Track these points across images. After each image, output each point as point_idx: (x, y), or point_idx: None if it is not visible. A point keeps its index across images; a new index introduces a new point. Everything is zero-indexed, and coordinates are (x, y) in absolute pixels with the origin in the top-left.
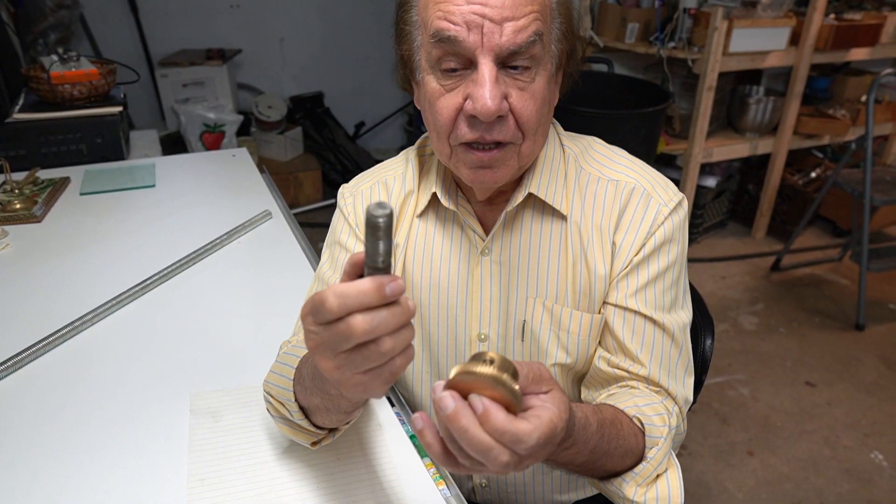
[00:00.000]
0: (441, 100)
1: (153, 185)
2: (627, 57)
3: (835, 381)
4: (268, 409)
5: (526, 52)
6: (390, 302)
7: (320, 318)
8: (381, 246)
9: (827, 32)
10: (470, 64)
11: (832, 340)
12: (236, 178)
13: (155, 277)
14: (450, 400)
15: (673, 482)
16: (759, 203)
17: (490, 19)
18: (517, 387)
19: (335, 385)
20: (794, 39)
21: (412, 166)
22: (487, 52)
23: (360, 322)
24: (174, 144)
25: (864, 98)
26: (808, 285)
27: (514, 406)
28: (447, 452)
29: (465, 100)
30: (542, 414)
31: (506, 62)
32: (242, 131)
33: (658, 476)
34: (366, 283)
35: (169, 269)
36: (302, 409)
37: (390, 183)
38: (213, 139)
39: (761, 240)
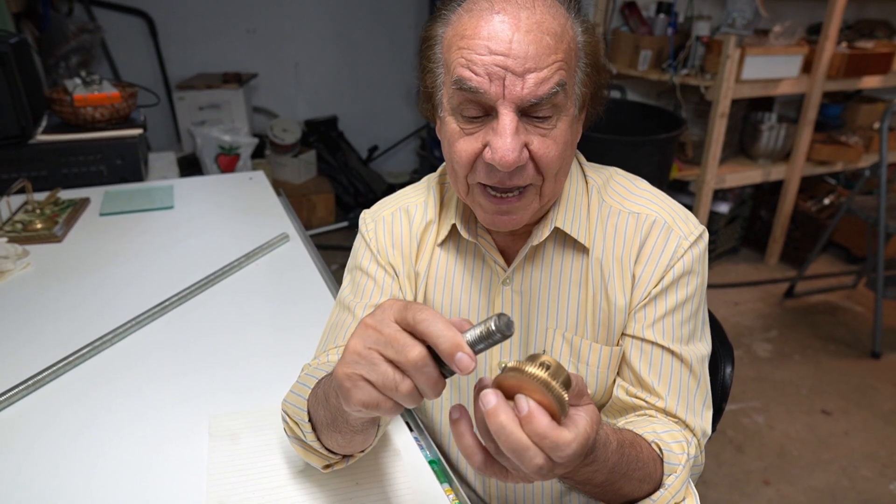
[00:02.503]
0: (460, 142)
1: (172, 207)
2: (640, 84)
3: (851, 410)
4: (284, 430)
5: (548, 102)
6: None
7: (387, 351)
8: (482, 346)
9: (839, 61)
10: (492, 110)
11: (848, 368)
12: (253, 201)
13: (174, 299)
14: (492, 396)
15: None
16: (772, 229)
17: (512, 71)
18: (566, 396)
19: (341, 393)
20: (807, 67)
21: (433, 195)
22: (509, 102)
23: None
24: (189, 166)
25: (876, 125)
26: (823, 312)
27: (558, 414)
28: (479, 447)
29: (485, 147)
30: (579, 423)
31: (527, 112)
32: (257, 154)
33: None
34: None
35: (188, 291)
36: (314, 428)
37: (412, 211)
38: (227, 161)
39: (774, 266)
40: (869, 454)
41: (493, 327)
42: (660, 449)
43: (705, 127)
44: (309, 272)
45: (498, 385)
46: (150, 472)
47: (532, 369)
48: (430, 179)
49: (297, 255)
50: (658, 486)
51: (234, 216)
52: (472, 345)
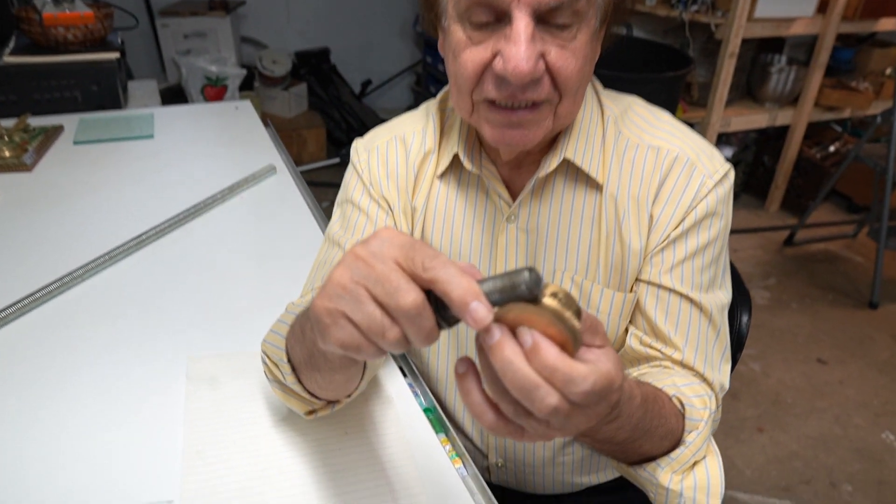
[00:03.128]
0: (466, 52)
1: (151, 136)
2: (647, 20)
3: (847, 360)
4: (265, 373)
5: (569, 7)
6: None
7: (377, 290)
8: (497, 298)
9: (856, 0)
10: (503, 16)
11: (845, 318)
12: (239, 132)
13: (151, 232)
14: (496, 330)
15: (713, 470)
16: (775, 176)
17: None
18: (578, 326)
19: (318, 329)
20: (822, 7)
21: (433, 122)
22: (524, 5)
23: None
24: (174, 97)
25: (889, 71)
26: (822, 261)
27: (570, 347)
28: (489, 403)
29: (495, 56)
30: (600, 364)
31: (545, 18)
32: (245, 86)
33: (696, 463)
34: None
35: (167, 224)
36: (294, 369)
37: (409, 140)
38: (214, 93)
39: (775, 213)
40: (863, 403)
41: (521, 282)
42: (681, 404)
43: (712, 67)
44: (297, 207)
45: (498, 321)
46: (122, 419)
47: (546, 298)
48: (430, 105)
49: (285, 189)
50: (678, 443)
51: (218, 147)
52: (488, 296)
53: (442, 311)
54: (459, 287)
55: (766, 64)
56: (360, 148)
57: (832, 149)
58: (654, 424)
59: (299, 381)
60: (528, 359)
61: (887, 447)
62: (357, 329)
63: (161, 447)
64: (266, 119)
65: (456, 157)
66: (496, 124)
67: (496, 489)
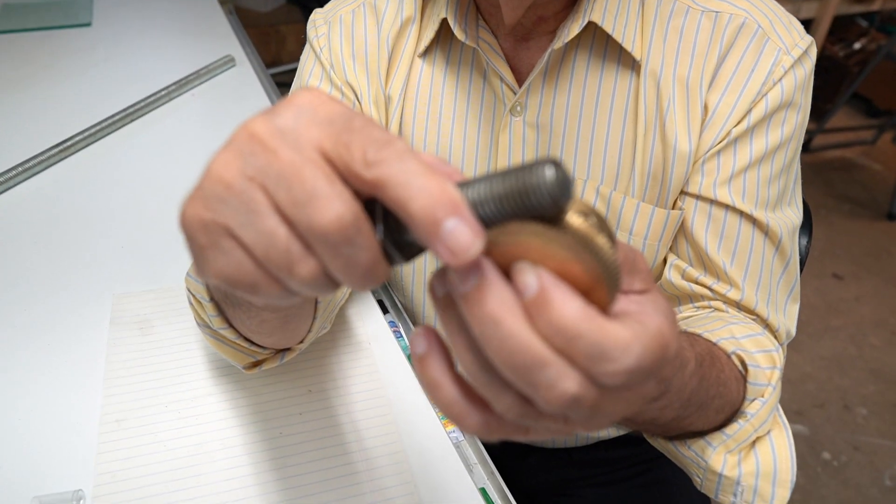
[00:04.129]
0: None
1: (89, 24)
2: None
3: (863, 275)
4: (194, 318)
5: None
6: None
7: (280, 192)
8: (493, 212)
9: None
10: None
11: (862, 230)
12: (194, 19)
13: (79, 137)
14: (481, 268)
15: (781, 449)
16: None
17: None
18: (618, 261)
19: (190, 251)
20: None
21: None
22: None
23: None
24: None
25: None
26: (838, 169)
27: (602, 295)
28: (470, 398)
29: None
30: (647, 322)
31: None
32: None
33: (758, 439)
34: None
35: (97, 127)
36: (219, 309)
37: (381, 6)
38: None
39: None
40: (879, 321)
41: (539, 185)
42: (742, 364)
43: None
44: (259, 105)
45: (489, 253)
46: (22, 378)
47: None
48: None
49: (246, 86)
50: (735, 413)
51: (169, 37)
52: (477, 208)
53: (394, 233)
54: (424, 192)
55: None
56: (319, 20)
57: (857, 46)
58: (710, 395)
59: (229, 324)
60: (532, 316)
61: None
62: (249, 255)
63: (72, 417)
64: (231, 7)
65: (444, 25)
66: None
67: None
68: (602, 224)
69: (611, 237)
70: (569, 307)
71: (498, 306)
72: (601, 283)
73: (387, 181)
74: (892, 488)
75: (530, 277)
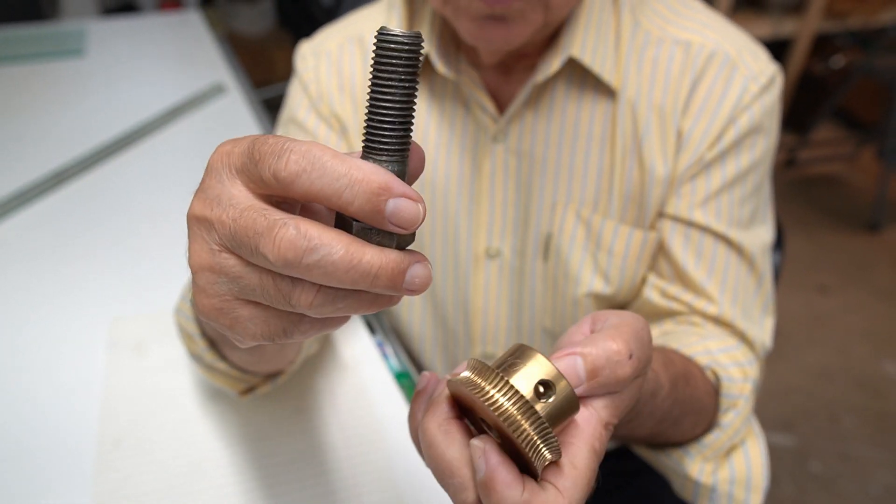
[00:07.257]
0: None
1: (79, 52)
2: None
3: (848, 286)
4: (186, 350)
5: None
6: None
7: (241, 248)
8: (391, 139)
9: None
10: None
11: (846, 242)
12: (186, 46)
13: (73, 167)
14: (435, 415)
15: (754, 457)
16: None
17: None
18: (550, 437)
19: (228, 336)
20: None
21: (397, 16)
22: None
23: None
24: (125, 8)
25: None
26: (821, 184)
27: (534, 466)
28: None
29: None
30: (577, 460)
31: None
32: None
33: (733, 448)
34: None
35: (92, 158)
36: (211, 343)
37: (367, 40)
38: (171, 7)
39: None
40: (864, 332)
41: (376, 44)
42: (716, 377)
43: None
44: (248, 131)
45: (453, 394)
46: (30, 395)
47: (493, 390)
48: None
49: (235, 114)
50: (711, 425)
51: (160, 67)
52: (384, 153)
53: (368, 230)
54: (349, 185)
55: None
56: (307, 53)
57: (837, 63)
58: (685, 411)
59: (222, 356)
60: (481, 491)
61: (890, 379)
62: (265, 309)
63: (71, 436)
64: (223, 35)
65: (427, 58)
66: (475, 15)
67: None
68: (542, 389)
69: (567, 396)
70: (509, 495)
71: (446, 462)
72: (531, 459)
73: (309, 190)
74: (880, 498)
75: (480, 461)
